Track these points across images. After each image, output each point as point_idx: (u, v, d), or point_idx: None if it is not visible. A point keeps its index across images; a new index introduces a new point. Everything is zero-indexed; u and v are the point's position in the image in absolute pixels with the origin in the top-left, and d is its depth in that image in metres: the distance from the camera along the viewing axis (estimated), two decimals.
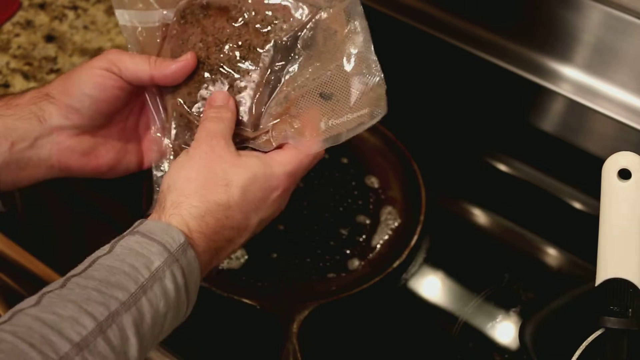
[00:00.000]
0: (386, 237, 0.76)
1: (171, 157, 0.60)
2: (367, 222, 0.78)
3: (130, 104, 0.60)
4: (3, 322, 0.41)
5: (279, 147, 0.56)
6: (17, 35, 0.93)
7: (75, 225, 0.79)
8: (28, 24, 0.94)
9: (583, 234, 0.68)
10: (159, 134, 0.60)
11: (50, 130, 0.55)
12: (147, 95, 0.60)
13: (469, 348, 0.68)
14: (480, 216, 0.83)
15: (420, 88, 0.95)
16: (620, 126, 0.84)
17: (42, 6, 0.97)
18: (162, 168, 0.60)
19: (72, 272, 0.46)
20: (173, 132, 0.59)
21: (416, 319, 0.72)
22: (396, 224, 0.77)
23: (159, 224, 0.49)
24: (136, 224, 0.50)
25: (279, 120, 0.56)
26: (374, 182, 0.82)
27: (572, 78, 0.87)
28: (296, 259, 0.74)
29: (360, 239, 0.76)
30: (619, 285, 0.58)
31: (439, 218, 0.79)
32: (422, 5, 0.94)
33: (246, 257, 0.73)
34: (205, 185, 0.51)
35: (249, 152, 0.55)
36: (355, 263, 0.74)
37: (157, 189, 0.60)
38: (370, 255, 0.75)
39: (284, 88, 0.56)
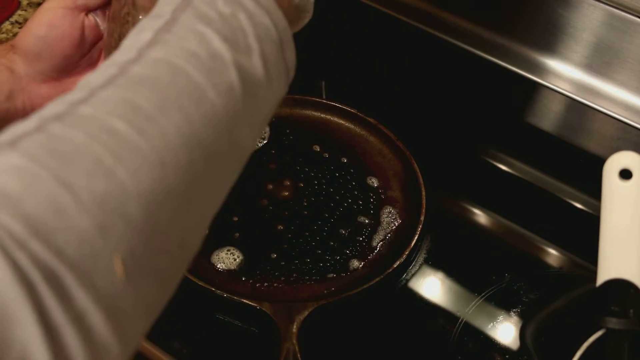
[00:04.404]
0: (386, 237, 0.76)
1: None
2: (367, 222, 0.77)
3: (90, 45, 0.60)
4: None
5: None
6: (16, 34, 0.92)
7: None
8: None
9: (584, 234, 0.68)
10: None
11: (20, 80, 0.57)
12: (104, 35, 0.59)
13: (470, 348, 0.68)
14: (480, 216, 0.82)
15: (421, 88, 0.95)
16: (621, 126, 0.84)
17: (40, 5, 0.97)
18: None
19: None
20: None
21: (416, 319, 0.72)
22: (396, 224, 0.77)
23: None
24: None
25: None
26: (374, 182, 0.82)
27: (573, 77, 0.87)
28: (296, 259, 0.73)
29: (360, 239, 0.76)
30: (620, 285, 0.58)
31: (439, 218, 0.79)
32: (422, 5, 0.93)
33: (242, 257, 0.73)
34: None
35: None
36: (355, 263, 0.74)
37: None
38: (370, 255, 0.75)
39: None
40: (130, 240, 0.33)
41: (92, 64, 0.61)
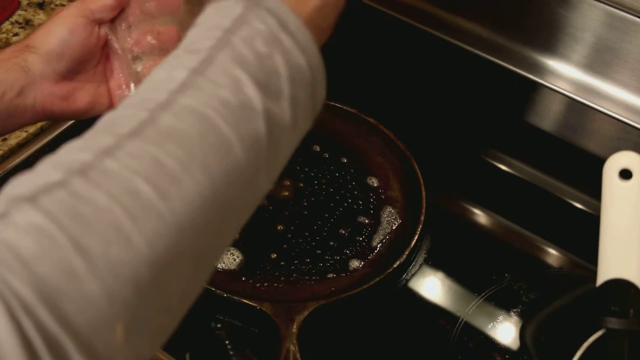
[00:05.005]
0: (386, 237, 0.76)
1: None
2: (367, 222, 0.77)
3: (98, 52, 0.64)
4: None
5: None
6: (16, 34, 0.92)
7: None
8: (27, 23, 0.94)
9: (584, 234, 0.68)
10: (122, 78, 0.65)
11: (34, 79, 0.60)
12: (112, 44, 0.65)
13: (470, 348, 0.68)
14: (480, 216, 0.82)
15: (421, 88, 0.95)
16: (621, 126, 0.84)
17: (40, 5, 0.97)
18: None
19: None
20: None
21: (416, 319, 0.71)
22: (396, 224, 0.77)
23: None
24: None
25: None
26: (374, 182, 0.82)
27: (573, 77, 0.87)
28: (296, 259, 0.73)
29: (360, 239, 0.76)
30: (620, 285, 0.58)
31: (439, 218, 0.78)
32: (423, 5, 0.93)
33: (242, 257, 0.73)
34: None
35: None
36: (355, 263, 0.74)
37: None
38: (370, 255, 0.75)
39: None
40: (136, 305, 0.33)
41: (99, 67, 0.65)
